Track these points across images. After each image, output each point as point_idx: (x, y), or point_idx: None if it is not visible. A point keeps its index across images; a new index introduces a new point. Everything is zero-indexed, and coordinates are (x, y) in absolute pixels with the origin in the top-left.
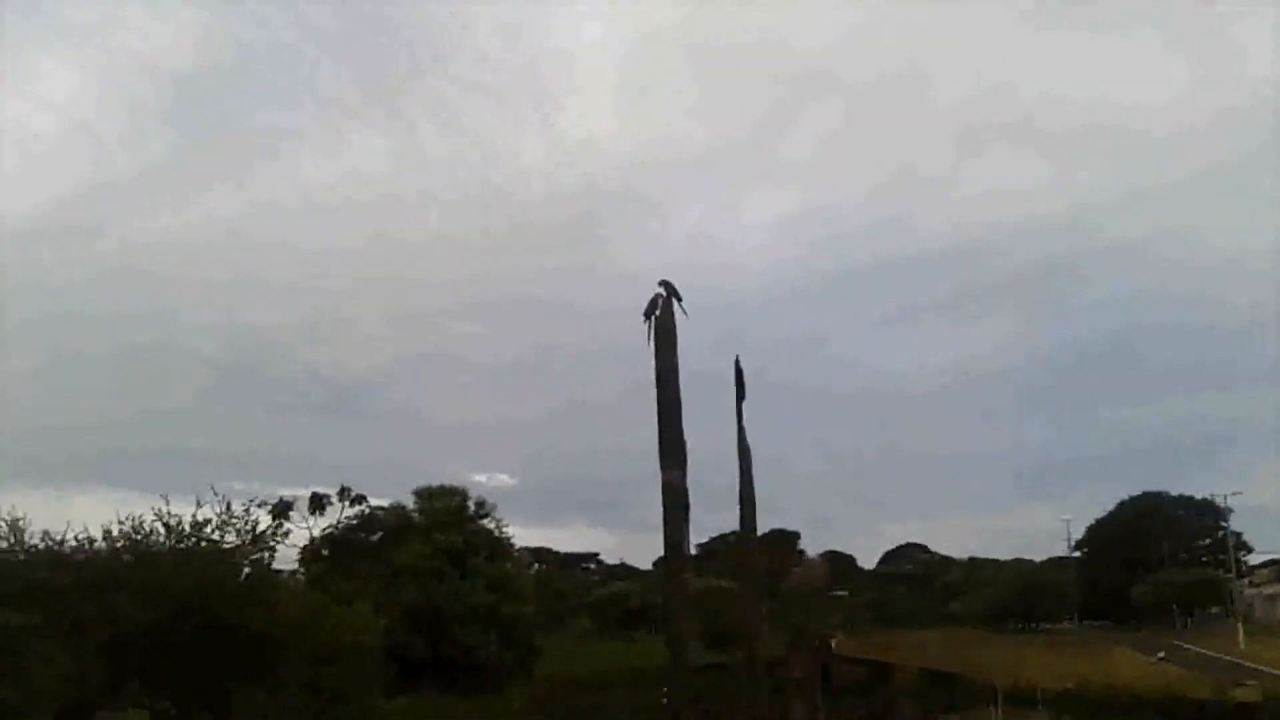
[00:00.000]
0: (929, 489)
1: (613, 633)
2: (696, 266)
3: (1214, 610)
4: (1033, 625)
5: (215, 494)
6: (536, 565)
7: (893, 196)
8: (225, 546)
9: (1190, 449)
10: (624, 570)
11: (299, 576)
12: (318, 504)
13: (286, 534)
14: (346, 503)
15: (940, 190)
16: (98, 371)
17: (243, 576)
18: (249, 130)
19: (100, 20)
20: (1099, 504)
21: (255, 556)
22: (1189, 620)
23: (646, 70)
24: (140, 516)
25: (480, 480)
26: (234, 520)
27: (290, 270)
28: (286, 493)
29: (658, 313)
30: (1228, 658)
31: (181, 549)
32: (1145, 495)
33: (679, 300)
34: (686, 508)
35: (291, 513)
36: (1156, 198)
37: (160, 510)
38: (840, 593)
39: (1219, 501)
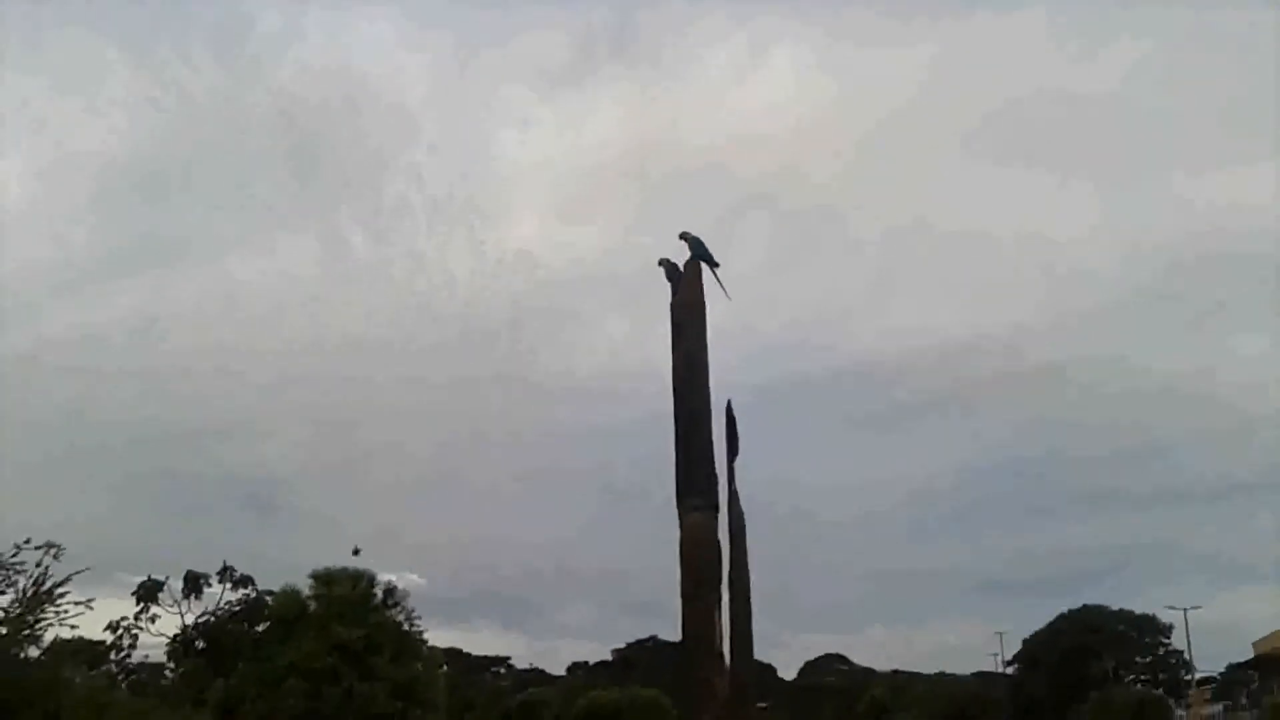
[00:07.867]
0: (850, 600)
1: None
2: (626, 376)
3: None
4: None
5: None
6: (444, 667)
7: (815, 317)
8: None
9: (1119, 568)
10: (535, 676)
11: (167, 673)
12: (193, 585)
13: (154, 619)
14: (228, 585)
15: (864, 313)
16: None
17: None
18: (177, 229)
19: (34, 110)
20: (1022, 618)
21: (38, 626)
22: None
23: (581, 191)
24: None
25: (390, 579)
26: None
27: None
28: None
29: (679, 284)
30: None
31: None
32: (1085, 609)
33: (713, 266)
34: (719, 571)
35: (161, 594)
36: (1078, 325)
37: None
38: (761, 705)
39: (1161, 618)
